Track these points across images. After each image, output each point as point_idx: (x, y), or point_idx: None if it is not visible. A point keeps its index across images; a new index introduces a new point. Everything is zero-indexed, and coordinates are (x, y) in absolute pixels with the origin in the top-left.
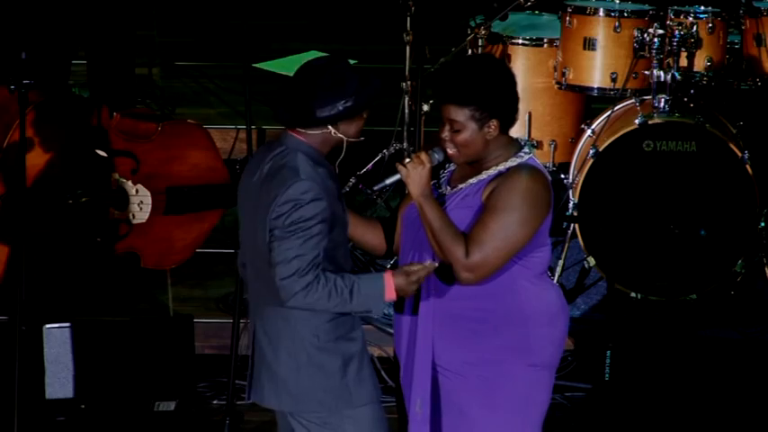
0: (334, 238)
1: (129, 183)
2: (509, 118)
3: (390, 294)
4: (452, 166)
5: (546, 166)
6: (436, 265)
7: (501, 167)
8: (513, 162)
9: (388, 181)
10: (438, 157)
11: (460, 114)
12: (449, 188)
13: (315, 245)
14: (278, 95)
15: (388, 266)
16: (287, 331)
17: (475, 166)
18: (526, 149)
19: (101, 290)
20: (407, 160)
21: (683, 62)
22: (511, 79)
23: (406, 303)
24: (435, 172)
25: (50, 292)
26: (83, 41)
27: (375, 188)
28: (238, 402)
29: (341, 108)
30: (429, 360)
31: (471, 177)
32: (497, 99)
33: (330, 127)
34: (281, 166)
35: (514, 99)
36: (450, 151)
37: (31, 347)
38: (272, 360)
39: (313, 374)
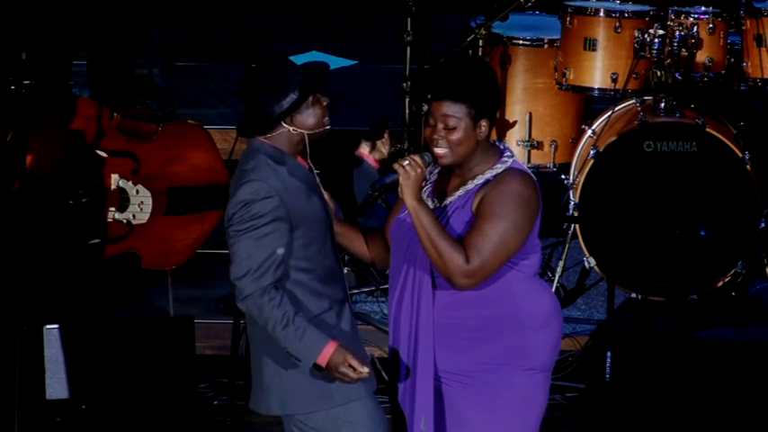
0: (305, 234)
1: (130, 183)
2: (494, 120)
3: (322, 361)
4: (433, 179)
5: (546, 167)
6: (367, 377)
7: (487, 175)
8: (498, 168)
9: (387, 180)
10: (428, 159)
11: (457, 110)
12: (437, 201)
13: (268, 244)
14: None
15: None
16: (265, 335)
17: (459, 174)
18: (509, 153)
19: (101, 290)
20: (406, 162)
21: (684, 63)
22: (497, 82)
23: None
24: None
25: (50, 293)
26: (83, 41)
27: (377, 185)
28: (238, 403)
29: (285, 104)
30: (431, 376)
31: (457, 189)
32: (488, 99)
33: (284, 124)
34: (239, 171)
35: (499, 102)
36: (440, 151)
37: (31, 347)
38: (257, 366)
39: (293, 375)
